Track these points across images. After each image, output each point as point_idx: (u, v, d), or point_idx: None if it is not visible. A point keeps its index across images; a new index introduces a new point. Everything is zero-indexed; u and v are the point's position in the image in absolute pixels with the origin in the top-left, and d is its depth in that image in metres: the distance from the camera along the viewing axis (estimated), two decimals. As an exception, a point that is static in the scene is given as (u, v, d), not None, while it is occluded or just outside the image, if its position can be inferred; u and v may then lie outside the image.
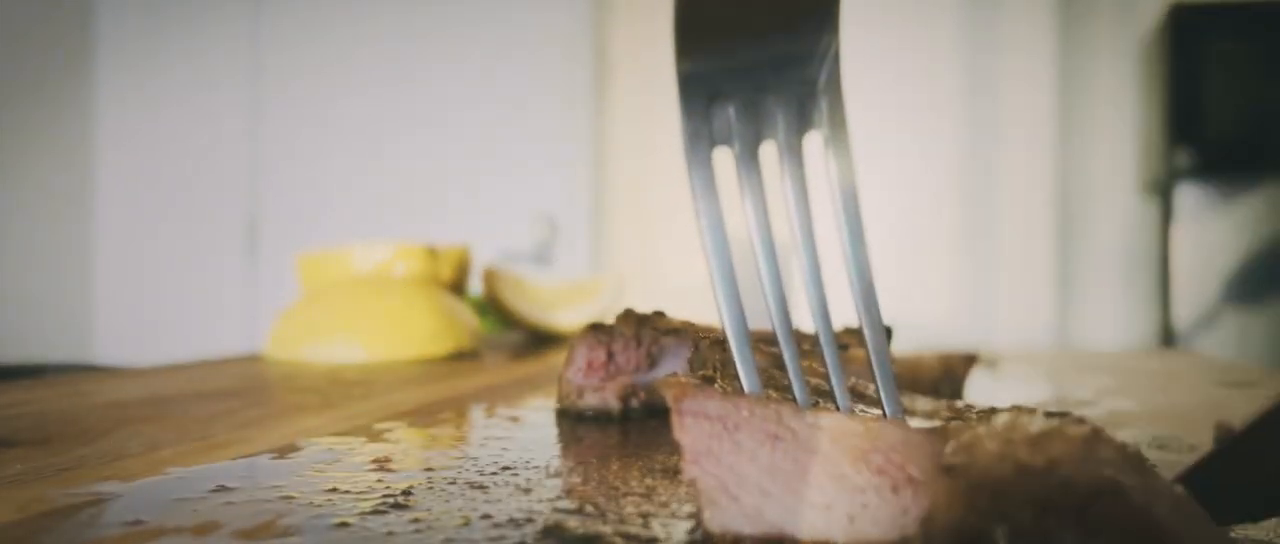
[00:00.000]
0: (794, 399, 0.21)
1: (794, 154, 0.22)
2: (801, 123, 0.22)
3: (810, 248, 0.22)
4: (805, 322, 0.26)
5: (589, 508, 0.20)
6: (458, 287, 0.70)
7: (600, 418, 0.33)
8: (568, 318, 0.74)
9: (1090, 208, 1.99)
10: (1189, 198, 1.82)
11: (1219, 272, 1.81)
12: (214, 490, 0.22)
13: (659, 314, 0.35)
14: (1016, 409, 0.15)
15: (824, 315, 0.22)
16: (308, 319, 0.59)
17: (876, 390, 0.22)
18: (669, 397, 0.16)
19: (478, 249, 0.76)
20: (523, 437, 0.30)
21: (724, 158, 0.22)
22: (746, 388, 0.21)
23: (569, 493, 0.22)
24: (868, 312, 0.22)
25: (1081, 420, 0.15)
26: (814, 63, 0.22)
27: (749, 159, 0.22)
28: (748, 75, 0.22)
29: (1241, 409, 0.37)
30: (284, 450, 0.27)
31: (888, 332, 0.27)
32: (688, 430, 0.16)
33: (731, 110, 0.22)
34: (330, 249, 0.66)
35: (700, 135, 0.22)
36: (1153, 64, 1.92)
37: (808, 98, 0.22)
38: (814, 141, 0.22)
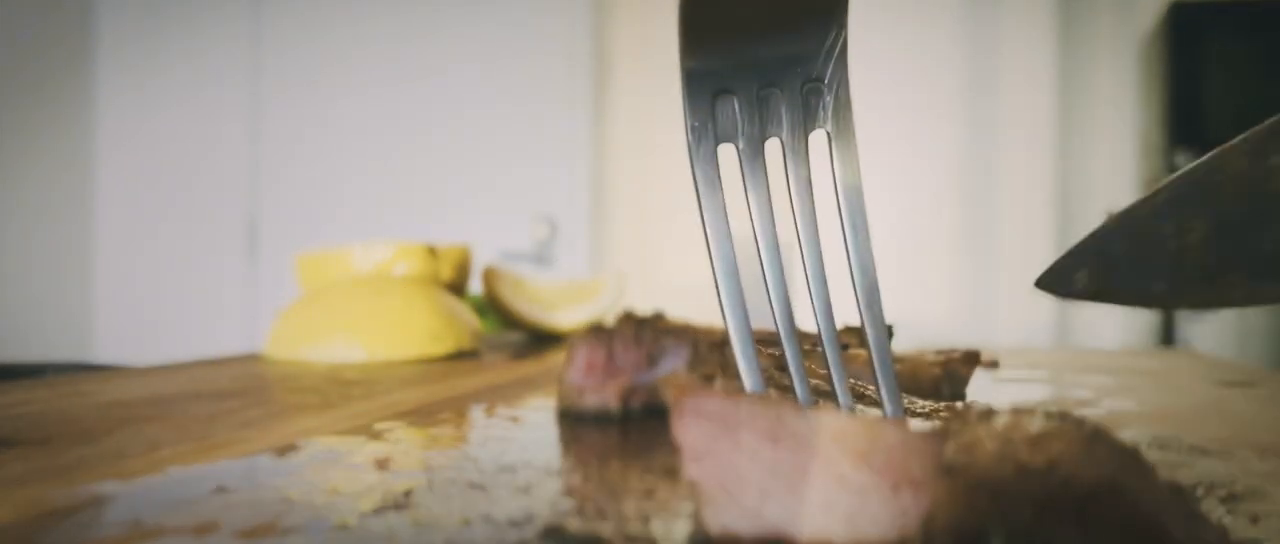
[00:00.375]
0: (795, 399, 0.21)
1: (798, 151, 0.22)
2: (807, 120, 0.22)
3: (814, 246, 0.22)
4: (805, 320, 0.26)
5: (589, 508, 0.20)
6: (458, 287, 0.70)
7: (600, 418, 0.33)
8: (568, 318, 0.74)
9: (1090, 208, 1.99)
10: (1189, 198, 1.81)
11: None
12: (214, 490, 0.22)
13: (659, 314, 0.35)
14: (1016, 409, 0.15)
15: (826, 314, 0.22)
16: (307, 319, 0.59)
17: (877, 390, 0.22)
18: (670, 396, 0.16)
19: (478, 249, 0.76)
20: (523, 437, 0.30)
21: (728, 154, 0.22)
22: (749, 386, 0.21)
23: (569, 493, 0.22)
24: (871, 310, 0.22)
25: (1081, 420, 0.15)
26: (820, 59, 0.22)
27: (753, 156, 0.22)
28: (753, 71, 0.22)
29: (1242, 408, 0.37)
30: (284, 450, 0.27)
31: (888, 331, 0.27)
32: (688, 430, 0.16)
33: (736, 106, 0.22)
34: (330, 249, 0.66)
35: (704, 131, 0.22)
36: (1153, 64, 1.92)
37: (813, 94, 0.22)
38: (819, 139, 0.22)
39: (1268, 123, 0.23)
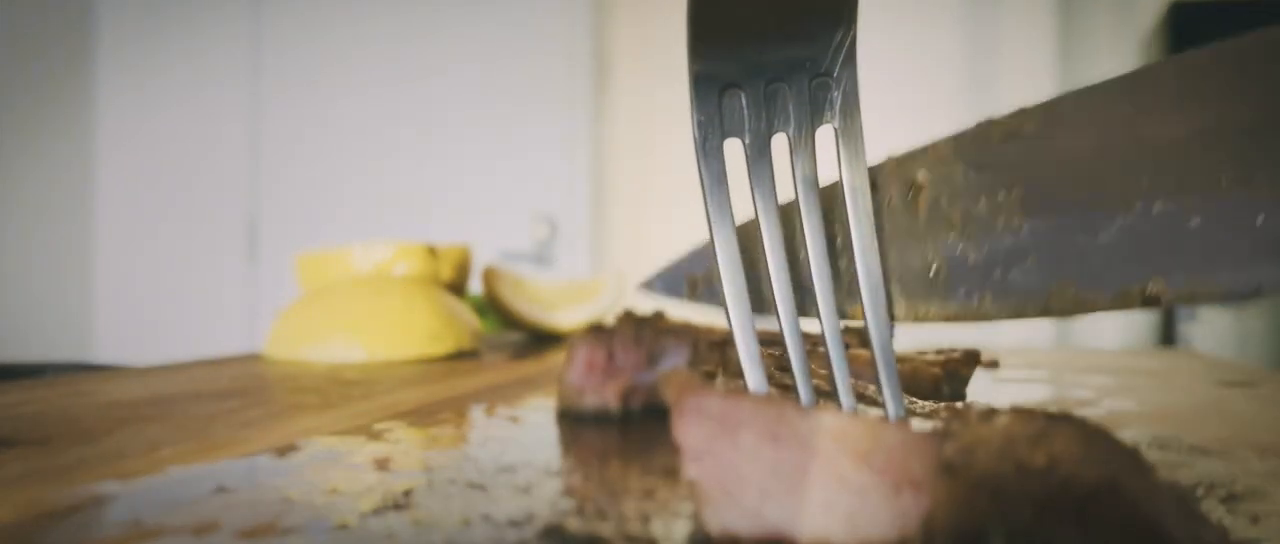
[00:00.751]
0: (794, 398, 0.21)
1: (805, 147, 0.22)
2: (814, 115, 0.22)
3: (819, 244, 0.22)
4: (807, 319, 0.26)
5: (589, 508, 0.20)
6: (458, 287, 0.70)
7: (600, 418, 0.33)
8: (568, 318, 0.74)
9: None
10: (1189, 198, 1.81)
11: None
12: (214, 490, 0.22)
13: (659, 314, 0.35)
14: (1016, 409, 0.15)
15: (831, 313, 0.22)
16: (307, 319, 0.58)
17: (877, 390, 0.22)
18: (670, 392, 0.16)
19: (478, 249, 0.76)
20: (523, 437, 0.30)
21: (734, 149, 0.22)
22: (751, 382, 0.21)
23: (569, 493, 0.22)
24: (874, 310, 0.22)
25: (1082, 420, 0.15)
26: (829, 56, 0.22)
27: (760, 151, 0.22)
28: (761, 67, 0.22)
29: (1242, 408, 0.37)
30: (284, 450, 0.27)
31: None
32: (688, 430, 0.16)
33: (743, 101, 0.22)
34: (330, 249, 0.66)
35: (711, 126, 0.22)
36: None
37: (821, 90, 0.22)
38: (826, 135, 0.22)
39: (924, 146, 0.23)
